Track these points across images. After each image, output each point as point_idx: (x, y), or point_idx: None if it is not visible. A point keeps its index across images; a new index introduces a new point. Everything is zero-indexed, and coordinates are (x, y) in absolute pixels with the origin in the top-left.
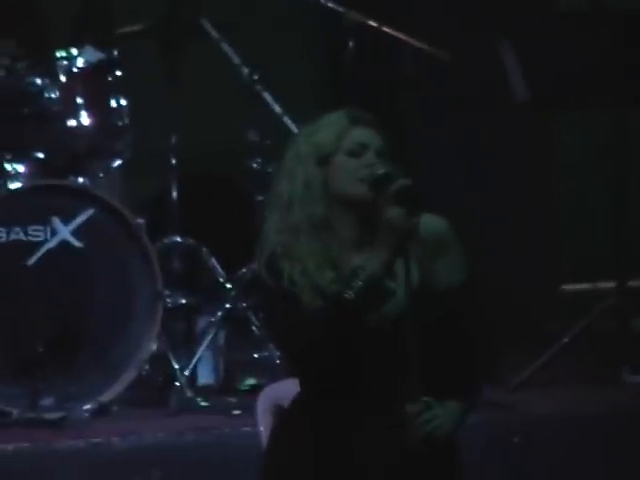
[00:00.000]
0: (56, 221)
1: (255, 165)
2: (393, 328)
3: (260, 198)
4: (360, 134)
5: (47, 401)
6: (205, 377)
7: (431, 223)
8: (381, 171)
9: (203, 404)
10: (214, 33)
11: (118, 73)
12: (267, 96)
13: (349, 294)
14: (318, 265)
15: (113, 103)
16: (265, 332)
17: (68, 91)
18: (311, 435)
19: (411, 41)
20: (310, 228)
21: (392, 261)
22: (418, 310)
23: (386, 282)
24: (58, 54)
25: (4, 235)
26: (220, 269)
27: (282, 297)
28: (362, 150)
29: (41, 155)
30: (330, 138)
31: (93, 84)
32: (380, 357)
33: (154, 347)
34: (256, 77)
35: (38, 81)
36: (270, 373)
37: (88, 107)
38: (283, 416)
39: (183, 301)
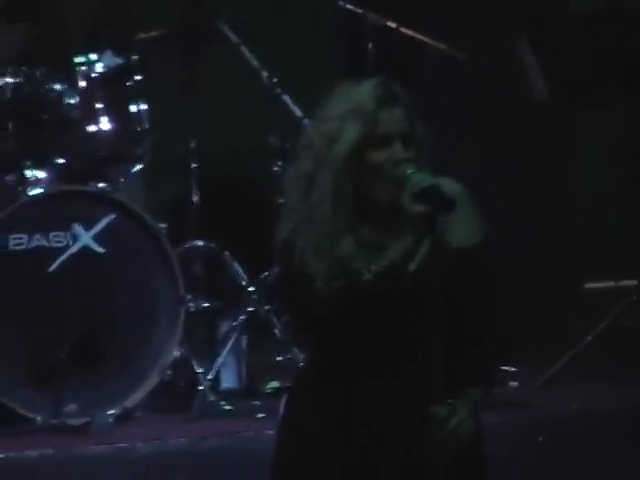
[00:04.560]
0: (77, 227)
1: (276, 168)
2: (414, 296)
3: (281, 201)
4: (386, 120)
5: (71, 407)
6: (228, 381)
7: (448, 185)
8: (423, 184)
9: (226, 408)
10: (233, 37)
11: (137, 78)
12: (287, 99)
13: (368, 276)
14: (332, 241)
15: (133, 108)
16: (288, 334)
17: (87, 97)
18: (327, 412)
19: (430, 42)
20: (331, 214)
21: (415, 250)
22: (437, 270)
23: (407, 265)
24: (77, 60)
25: (25, 242)
26: (242, 273)
27: (297, 276)
28: (388, 140)
29: (61, 161)
30: (359, 132)
31: (112, 89)
32: (399, 341)
33: (177, 352)
34: (276, 80)
35: (57, 87)
36: (293, 376)
37: (107, 112)
38: (297, 387)
39: (205, 305)
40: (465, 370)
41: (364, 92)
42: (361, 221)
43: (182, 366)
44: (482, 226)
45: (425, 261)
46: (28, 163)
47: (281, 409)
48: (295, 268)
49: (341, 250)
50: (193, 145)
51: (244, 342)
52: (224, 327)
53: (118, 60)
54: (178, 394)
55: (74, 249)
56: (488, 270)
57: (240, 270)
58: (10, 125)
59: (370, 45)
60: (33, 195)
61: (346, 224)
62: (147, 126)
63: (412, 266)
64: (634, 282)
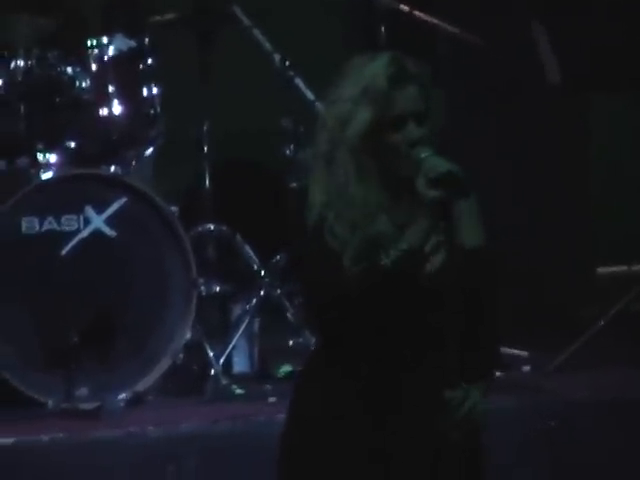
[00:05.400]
0: (89, 210)
1: (288, 152)
2: (432, 290)
3: (293, 185)
4: (400, 100)
5: (82, 391)
6: (240, 365)
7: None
8: (438, 169)
9: (238, 392)
10: (246, 20)
11: (150, 61)
12: (299, 83)
13: (386, 262)
14: (368, 217)
15: (145, 91)
16: (300, 317)
17: (99, 80)
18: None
19: (444, 26)
20: (357, 192)
21: (431, 233)
22: (456, 267)
23: (424, 249)
24: (89, 42)
25: (37, 225)
26: (254, 256)
27: (325, 253)
28: (402, 120)
29: (73, 144)
30: (372, 114)
31: (124, 72)
32: (418, 324)
33: (189, 335)
34: (288, 63)
35: (69, 70)
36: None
37: (120, 95)
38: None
39: (217, 289)
40: (476, 359)
41: (376, 71)
42: (393, 197)
43: (194, 350)
44: (482, 228)
45: (444, 263)
46: (40, 146)
47: (292, 394)
48: (325, 243)
49: (376, 228)
50: (205, 128)
51: (256, 325)
52: (236, 311)
53: (131, 43)
54: (190, 378)
55: (86, 232)
56: (491, 271)
57: (252, 253)
58: (22, 108)
59: (382, 28)
60: (45, 179)
61: (378, 201)
62: (159, 109)
63: (431, 267)
64: None
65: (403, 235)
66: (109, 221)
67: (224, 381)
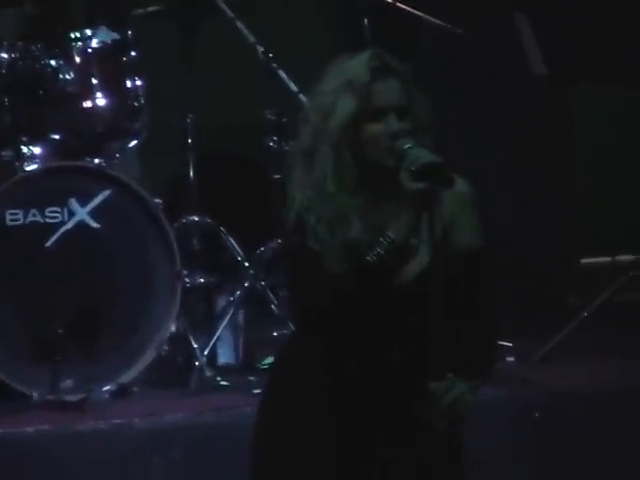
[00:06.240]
0: (73, 202)
1: (272, 144)
2: (417, 290)
3: (277, 177)
4: (381, 93)
5: (67, 383)
6: (225, 356)
7: (458, 184)
8: (421, 160)
9: (223, 383)
10: (229, 12)
11: (133, 53)
12: (283, 74)
13: (372, 257)
14: (343, 221)
15: (129, 83)
16: (284, 308)
17: (83, 72)
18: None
19: (427, 17)
20: (336, 188)
21: (414, 226)
22: (441, 268)
23: (409, 242)
24: (72, 35)
25: (21, 217)
26: (238, 248)
27: (307, 254)
28: (384, 113)
29: (57, 137)
30: (353, 105)
31: (108, 65)
32: (401, 323)
33: (173, 327)
34: (271, 55)
35: (53, 62)
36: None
37: (103, 88)
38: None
39: (202, 281)
40: (471, 355)
41: (358, 65)
42: (366, 194)
43: (179, 341)
44: (481, 227)
45: (429, 265)
46: (24, 139)
47: (267, 381)
48: (306, 245)
49: (351, 234)
50: (189, 120)
51: (241, 317)
52: (221, 302)
53: (114, 35)
54: (175, 369)
55: (70, 225)
56: (489, 270)
57: (236, 245)
58: (6, 101)
59: (366, 20)
60: (29, 170)
61: (353, 201)
62: (143, 101)
63: (415, 271)
64: (630, 257)
65: (380, 238)
66: (93, 213)
67: (209, 373)
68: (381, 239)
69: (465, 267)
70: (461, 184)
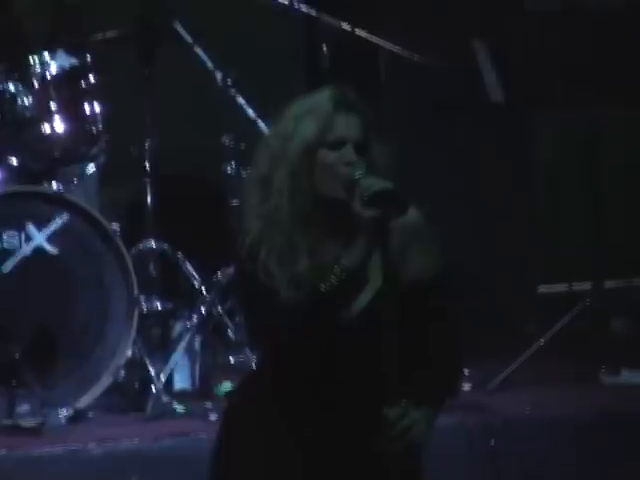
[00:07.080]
0: (31, 227)
1: (229, 169)
2: (369, 318)
3: (235, 202)
4: (342, 124)
5: (24, 408)
6: (181, 382)
7: (409, 213)
8: (373, 188)
9: (180, 409)
10: (187, 37)
11: (92, 79)
12: (241, 100)
13: (324, 287)
14: (294, 253)
15: (87, 109)
16: (241, 335)
17: (41, 97)
18: (273, 428)
19: (386, 45)
20: (289, 217)
21: (367, 255)
22: (394, 299)
23: (361, 273)
24: (31, 59)
25: None
26: (195, 274)
27: (258, 285)
28: (342, 143)
29: (15, 161)
30: (314, 130)
31: (66, 90)
32: (355, 352)
33: (130, 352)
34: (230, 81)
35: (11, 87)
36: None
37: (62, 113)
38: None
39: (159, 306)
40: (429, 381)
41: (321, 96)
42: (319, 225)
43: (135, 367)
44: (440, 255)
45: (381, 294)
46: None
47: (222, 416)
48: (258, 275)
49: (298, 268)
50: (147, 145)
51: (197, 343)
52: (177, 328)
53: (72, 60)
54: (131, 395)
55: (27, 250)
56: (446, 300)
57: (193, 271)
58: None
59: (325, 47)
60: None
61: (304, 233)
62: (101, 127)
63: (368, 302)
64: (587, 286)
65: (335, 267)
66: (51, 238)
67: (165, 398)
68: (335, 268)
69: (419, 296)
70: (414, 213)
